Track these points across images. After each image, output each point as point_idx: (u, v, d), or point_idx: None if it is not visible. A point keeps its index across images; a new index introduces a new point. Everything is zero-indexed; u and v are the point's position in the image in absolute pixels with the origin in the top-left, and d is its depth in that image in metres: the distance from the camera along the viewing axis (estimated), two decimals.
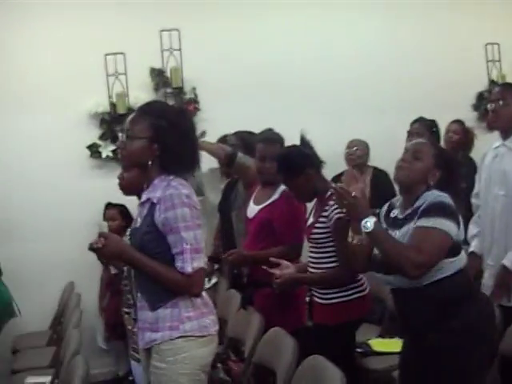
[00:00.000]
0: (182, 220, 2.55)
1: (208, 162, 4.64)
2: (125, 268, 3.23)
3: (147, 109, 2.78)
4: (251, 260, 3.98)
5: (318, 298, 3.62)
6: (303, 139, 3.67)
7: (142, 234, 2.64)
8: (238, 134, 4.76)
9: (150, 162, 2.65)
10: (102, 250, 2.61)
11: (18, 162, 5.57)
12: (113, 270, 4.64)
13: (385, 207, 3.05)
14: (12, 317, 5.09)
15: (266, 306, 3.82)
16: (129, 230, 3.21)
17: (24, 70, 5.60)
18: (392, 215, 2.93)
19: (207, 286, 4.02)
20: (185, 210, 2.56)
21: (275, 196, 3.99)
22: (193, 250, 2.56)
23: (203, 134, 4.77)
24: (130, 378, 5.18)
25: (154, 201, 2.61)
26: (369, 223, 2.68)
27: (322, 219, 3.52)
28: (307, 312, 3.93)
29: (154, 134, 2.63)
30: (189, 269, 2.54)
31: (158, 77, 5.93)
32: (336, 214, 3.40)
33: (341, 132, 5.91)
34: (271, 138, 4.08)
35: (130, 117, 2.78)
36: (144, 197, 2.69)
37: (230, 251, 4.03)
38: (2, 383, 4.84)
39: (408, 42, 6.39)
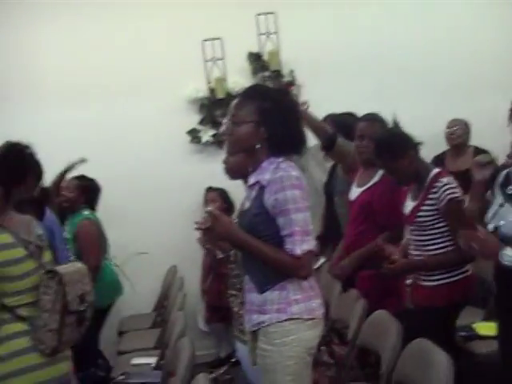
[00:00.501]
0: (292, 202, 2.52)
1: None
2: (231, 252, 3.24)
3: (251, 92, 2.76)
4: (363, 259, 3.92)
5: (423, 280, 3.55)
6: (395, 122, 3.61)
7: (251, 217, 2.63)
8: (336, 116, 4.69)
9: (258, 146, 2.63)
10: (210, 231, 2.61)
11: (120, 148, 5.69)
12: (219, 255, 4.66)
13: (500, 177, 2.97)
14: (121, 293, 5.22)
15: (368, 288, 3.78)
16: (234, 212, 3.22)
17: (126, 58, 5.70)
18: (509, 191, 2.85)
19: (316, 265, 4.03)
20: (295, 192, 2.54)
21: (376, 178, 3.93)
22: (302, 232, 2.53)
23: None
24: (232, 359, 5.25)
25: (264, 183, 2.59)
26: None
27: (428, 201, 3.43)
28: (408, 294, 3.85)
29: (259, 117, 2.61)
30: (298, 251, 2.52)
31: (256, 61, 5.92)
32: (447, 194, 3.33)
33: (441, 112, 5.76)
34: (372, 117, 4.03)
35: (234, 102, 2.78)
36: (252, 179, 2.68)
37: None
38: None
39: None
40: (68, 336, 2.75)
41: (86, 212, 5.05)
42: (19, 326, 2.68)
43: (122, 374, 4.08)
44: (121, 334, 5.36)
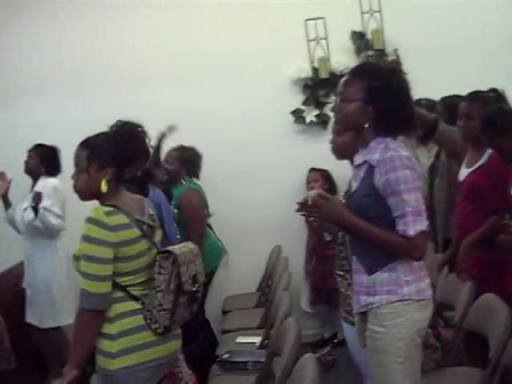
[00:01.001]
0: (403, 182, 2.47)
1: None
2: (339, 233, 3.21)
3: (360, 70, 2.72)
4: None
5: None
6: (503, 98, 3.48)
7: (360, 198, 2.60)
8: (447, 98, 4.58)
9: (366, 125, 2.60)
10: (319, 213, 2.59)
11: (224, 130, 5.75)
12: (327, 237, 4.66)
13: None
14: (222, 257, 5.28)
15: (475, 270, 3.69)
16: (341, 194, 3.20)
17: (230, 40, 5.74)
18: None
19: None
20: (406, 172, 2.49)
21: (482, 160, 3.82)
22: (414, 212, 2.48)
23: None
24: (335, 340, 5.25)
25: (373, 163, 2.55)
26: None
27: None
28: None
29: (368, 96, 2.57)
30: (411, 232, 2.47)
31: (359, 40, 5.84)
32: None
33: None
34: (475, 96, 3.91)
35: (343, 79, 2.74)
36: (360, 159, 2.65)
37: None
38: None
39: None
40: (180, 315, 2.80)
41: (188, 182, 5.13)
42: (132, 305, 2.74)
43: (226, 352, 4.14)
44: (225, 313, 5.44)
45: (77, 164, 2.82)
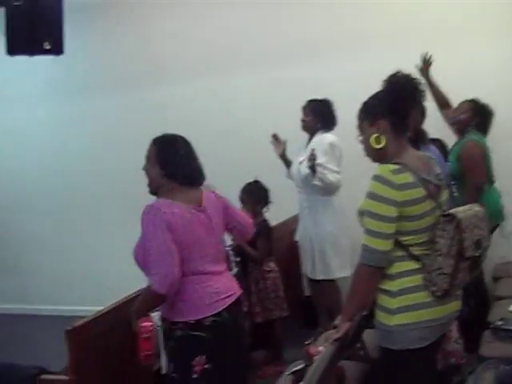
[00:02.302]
0: None
1: None
2: None
3: None
4: None
5: None
6: None
7: None
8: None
9: None
10: None
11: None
12: None
13: None
14: (502, 219, 5.10)
15: None
16: None
17: None
18: None
19: None
20: None
21: None
22: None
23: None
24: None
25: None
26: None
27: None
28: None
29: None
30: None
31: None
32: None
33: None
34: None
35: None
36: None
37: None
38: None
39: None
40: (460, 280, 2.75)
41: (473, 135, 4.98)
42: (412, 264, 2.73)
43: (500, 320, 4.01)
44: (495, 279, 5.26)
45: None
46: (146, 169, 3.19)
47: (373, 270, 2.71)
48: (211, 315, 2.98)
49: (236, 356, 3.07)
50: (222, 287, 3.07)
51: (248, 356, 3.24)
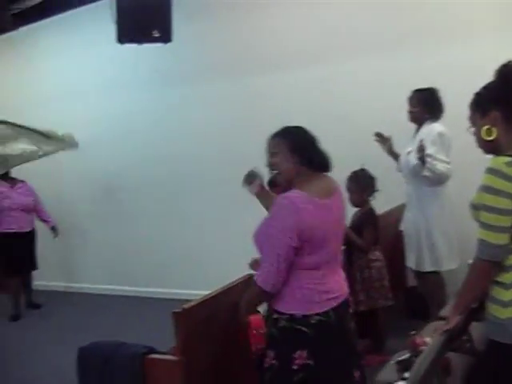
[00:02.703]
0: None
1: None
2: None
3: None
4: None
5: None
6: None
7: None
8: None
9: None
10: None
11: None
12: None
13: None
14: None
15: None
16: None
17: None
18: None
19: None
20: None
21: None
22: None
23: None
24: None
25: None
26: None
27: None
28: None
29: None
30: None
31: None
32: None
33: None
34: None
35: None
36: None
37: None
38: None
39: None
40: None
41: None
42: None
43: None
44: None
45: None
46: (275, 164, 3.13)
47: (489, 265, 2.65)
48: (318, 313, 2.94)
49: (341, 358, 3.04)
50: (333, 286, 3.02)
51: (357, 358, 3.19)
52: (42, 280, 8.33)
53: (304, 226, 2.87)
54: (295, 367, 2.90)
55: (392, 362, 3.33)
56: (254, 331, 3.23)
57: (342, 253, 4.14)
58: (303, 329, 2.93)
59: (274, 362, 2.99)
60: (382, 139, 5.33)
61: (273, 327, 3.03)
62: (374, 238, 4.94)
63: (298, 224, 2.86)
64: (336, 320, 2.98)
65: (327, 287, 2.99)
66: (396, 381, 3.11)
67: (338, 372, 2.99)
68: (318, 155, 3.09)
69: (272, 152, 3.12)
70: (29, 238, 7.62)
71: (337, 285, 3.08)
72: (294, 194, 2.95)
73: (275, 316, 3.01)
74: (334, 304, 3.00)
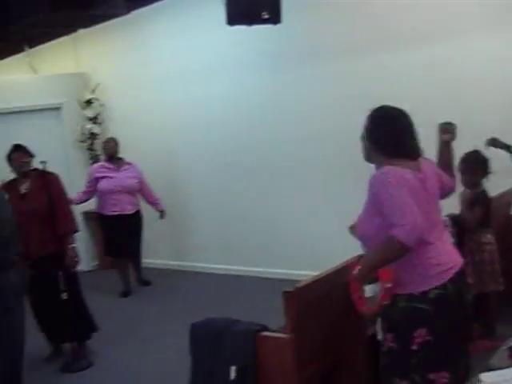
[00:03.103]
0: None
1: None
2: None
3: None
4: None
5: None
6: None
7: None
8: None
9: None
10: None
11: None
12: None
13: None
14: None
15: None
16: None
17: None
18: None
19: None
20: None
21: None
22: None
23: None
24: None
25: None
26: None
27: None
28: None
29: None
30: None
31: None
32: None
33: None
34: None
35: None
36: None
37: None
38: None
39: None
40: None
41: None
42: None
43: None
44: None
45: None
46: (363, 140, 3.17)
47: None
48: (435, 287, 2.92)
49: (458, 329, 3.01)
50: (445, 258, 3.00)
51: (472, 328, 3.16)
52: (154, 258, 8.64)
53: (411, 194, 2.87)
54: (414, 347, 2.91)
55: (504, 347, 3.27)
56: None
57: (454, 235, 4.10)
58: (422, 306, 2.93)
59: (392, 344, 3.00)
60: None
61: (392, 311, 3.02)
62: (484, 217, 4.85)
63: (408, 192, 2.87)
64: (454, 291, 2.96)
65: (440, 259, 2.98)
66: (508, 367, 3.06)
67: (454, 346, 2.99)
68: (399, 146, 3.05)
69: (364, 127, 3.16)
70: (132, 220, 7.70)
71: (449, 255, 3.06)
72: (389, 168, 2.96)
73: (393, 299, 2.99)
74: (450, 275, 2.98)
